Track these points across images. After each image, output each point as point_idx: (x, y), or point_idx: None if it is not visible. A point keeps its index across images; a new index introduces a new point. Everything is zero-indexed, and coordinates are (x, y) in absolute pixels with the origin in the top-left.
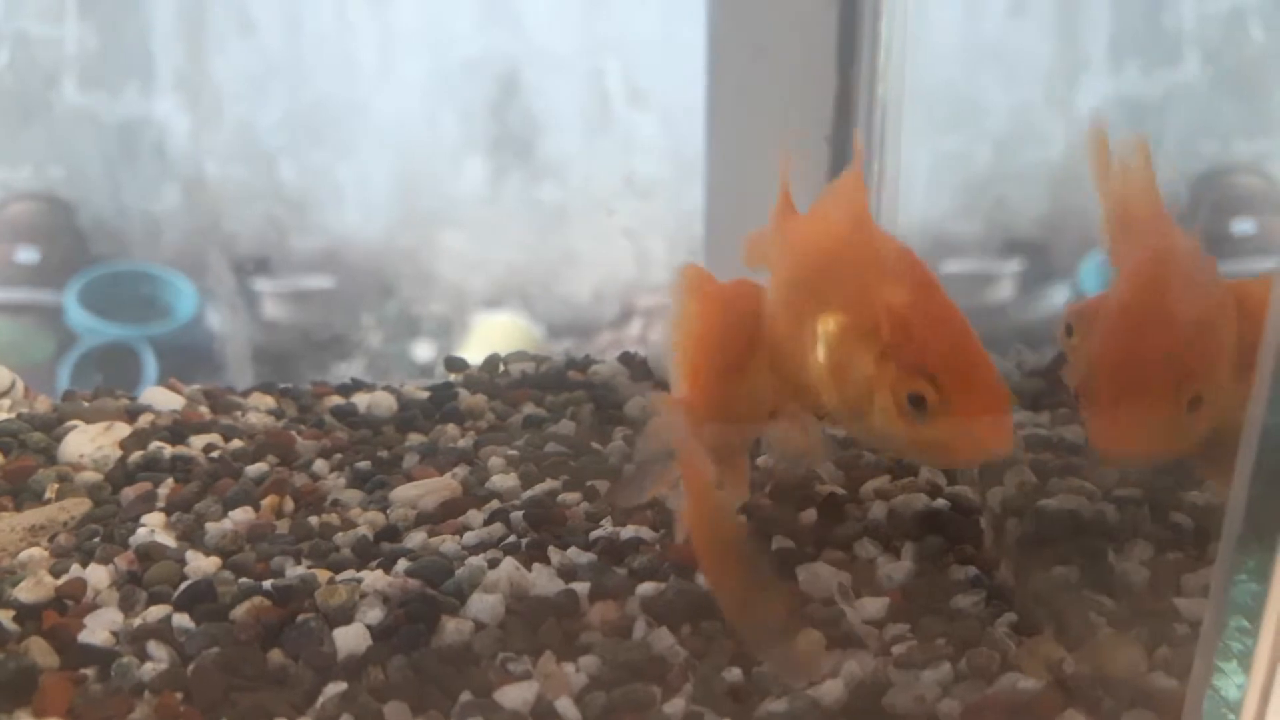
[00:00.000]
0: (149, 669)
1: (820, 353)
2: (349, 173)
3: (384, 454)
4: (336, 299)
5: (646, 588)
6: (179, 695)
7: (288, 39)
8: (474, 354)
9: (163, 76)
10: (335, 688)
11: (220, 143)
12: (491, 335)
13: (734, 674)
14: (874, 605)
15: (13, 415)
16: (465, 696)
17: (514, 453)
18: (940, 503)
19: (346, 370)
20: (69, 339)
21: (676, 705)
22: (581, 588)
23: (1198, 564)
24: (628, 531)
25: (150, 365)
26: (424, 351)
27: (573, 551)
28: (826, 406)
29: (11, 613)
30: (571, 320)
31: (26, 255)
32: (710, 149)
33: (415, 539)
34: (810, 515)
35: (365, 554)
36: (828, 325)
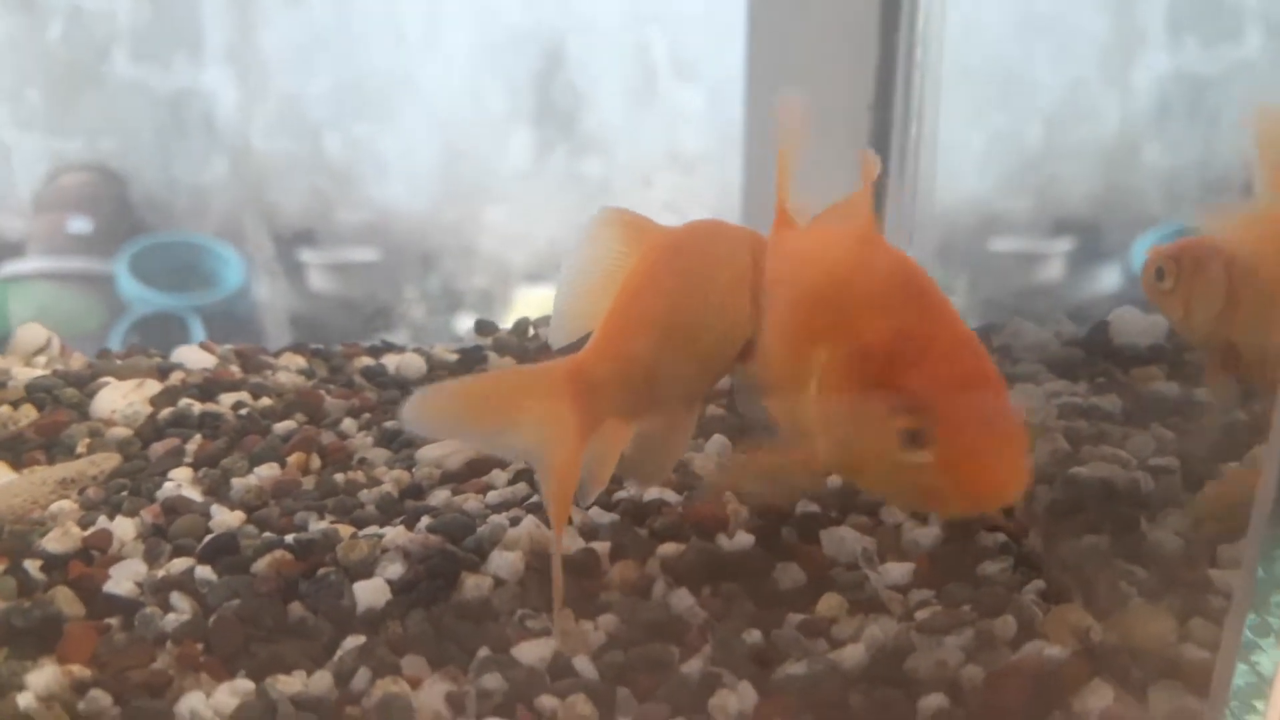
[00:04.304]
0: (171, 619)
1: (808, 389)
2: (394, 146)
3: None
4: (380, 271)
5: (667, 548)
6: (200, 645)
7: (335, 11)
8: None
9: (212, 49)
10: (354, 641)
11: (267, 115)
12: (533, 309)
13: (754, 636)
14: (899, 570)
15: (48, 372)
16: (483, 652)
17: None
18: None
19: None
20: (119, 308)
21: (694, 666)
22: (602, 547)
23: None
24: (651, 493)
25: (198, 334)
26: (466, 325)
27: (594, 511)
28: (809, 476)
29: (39, 562)
30: None
31: (79, 225)
32: (749, 120)
33: (439, 497)
34: (835, 480)
35: (389, 511)
36: (818, 354)
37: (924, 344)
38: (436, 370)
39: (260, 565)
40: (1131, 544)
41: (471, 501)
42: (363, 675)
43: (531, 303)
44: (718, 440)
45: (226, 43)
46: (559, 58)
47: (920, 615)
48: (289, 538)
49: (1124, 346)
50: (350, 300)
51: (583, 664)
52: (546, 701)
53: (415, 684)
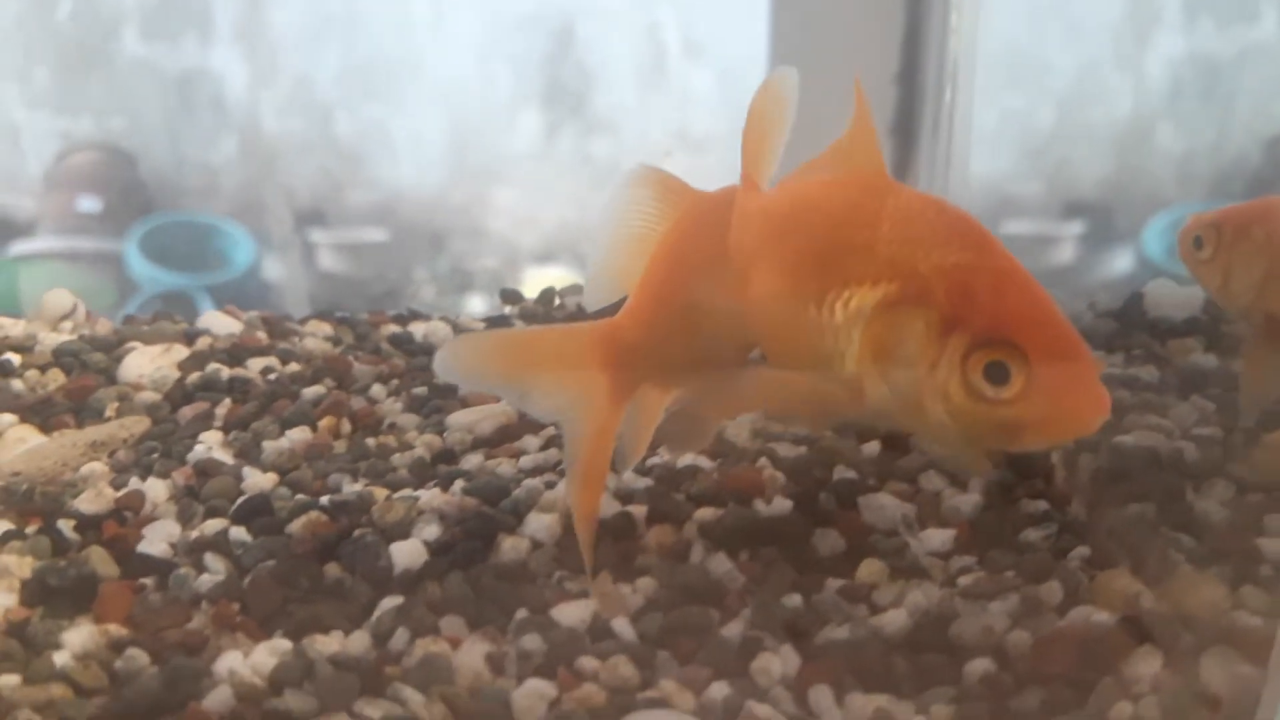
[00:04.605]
0: (206, 580)
1: (848, 341)
2: (403, 126)
3: (440, 381)
4: (390, 252)
5: (704, 513)
6: (236, 605)
7: None
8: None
9: (221, 28)
10: (391, 601)
11: (277, 95)
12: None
13: (794, 600)
14: (939, 537)
15: (74, 337)
16: (522, 613)
17: None
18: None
19: None
20: (129, 287)
21: (734, 630)
22: (638, 511)
23: None
24: (685, 459)
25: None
26: (476, 306)
27: (628, 476)
28: (856, 408)
29: (72, 522)
30: None
31: (89, 204)
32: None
33: (471, 461)
34: (873, 447)
35: (422, 474)
36: (856, 303)
37: (992, 276)
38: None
39: (295, 526)
40: (1178, 512)
41: (505, 466)
42: (401, 635)
43: (541, 283)
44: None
45: (236, 22)
46: (568, 38)
47: (963, 581)
48: (324, 499)
49: (1159, 319)
50: (360, 280)
51: (622, 626)
52: (587, 663)
53: (455, 644)
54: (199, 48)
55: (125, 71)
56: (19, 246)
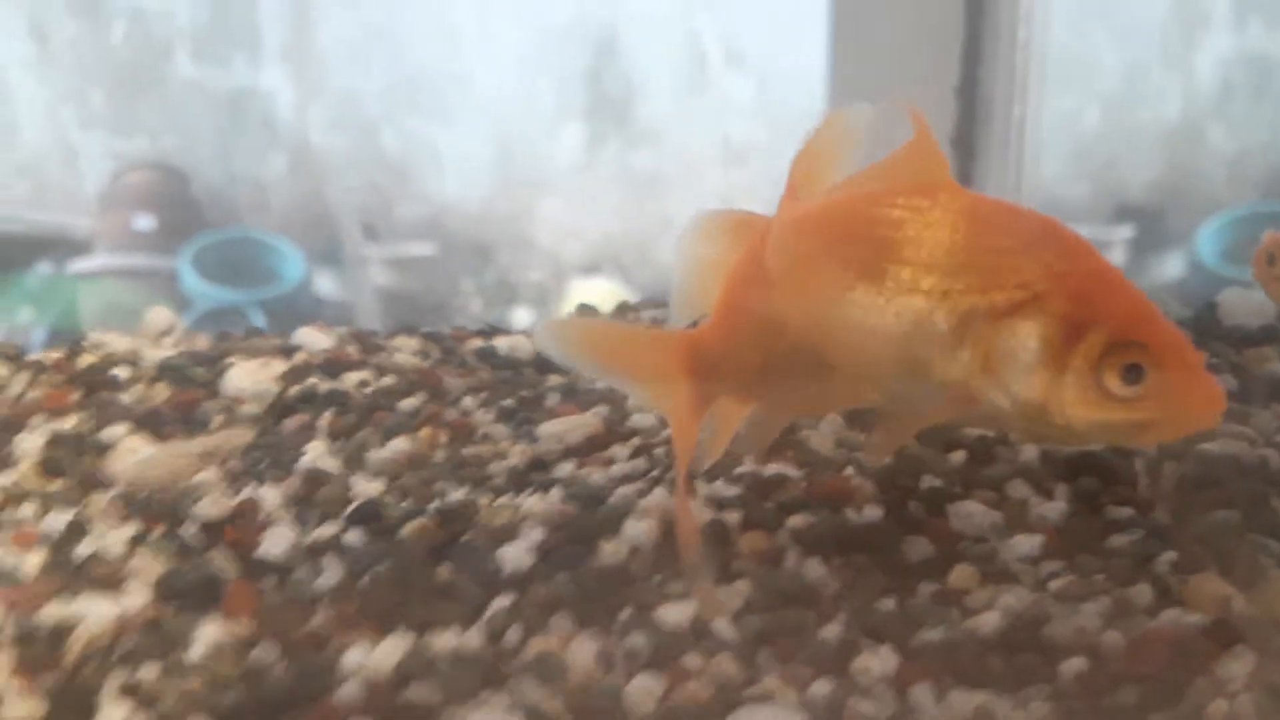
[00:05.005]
0: (323, 581)
1: (948, 349)
2: (449, 141)
3: (526, 393)
4: (438, 265)
5: (796, 520)
6: (354, 605)
7: (389, 9)
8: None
9: (270, 48)
10: (501, 601)
11: (325, 112)
12: (586, 301)
13: (888, 604)
14: (1028, 543)
15: (175, 352)
16: (626, 613)
17: None
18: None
19: None
20: (183, 303)
21: (832, 631)
22: (731, 518)
23: None
24: (771, 469)
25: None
26: (521, 317)
27: (718, 485)
28: (963, 414)
29: (194, 527)
30: (666, 287)
31: (143, 223)
32: (832, 100)
33: (564, 470)
34: (959, 456)
35: (519, 482)
36: (959, 313)
37: (1104, 279)
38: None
39: (406, 531)
40: (1265, 519)
41: (596, 474)
42: (513, 633)
43: (585, 294)
44: (833, 419)
45: (284, 42)
46: (611, 50)
47: (1054, 585)
48: (431, 505)
49: (1234, 328)
50: (410, 293)
51: (722, 627)
52: (693, 661)
53: (565, 642)
54: (248, 68)
55: (177, 92)
56: (77, 264)
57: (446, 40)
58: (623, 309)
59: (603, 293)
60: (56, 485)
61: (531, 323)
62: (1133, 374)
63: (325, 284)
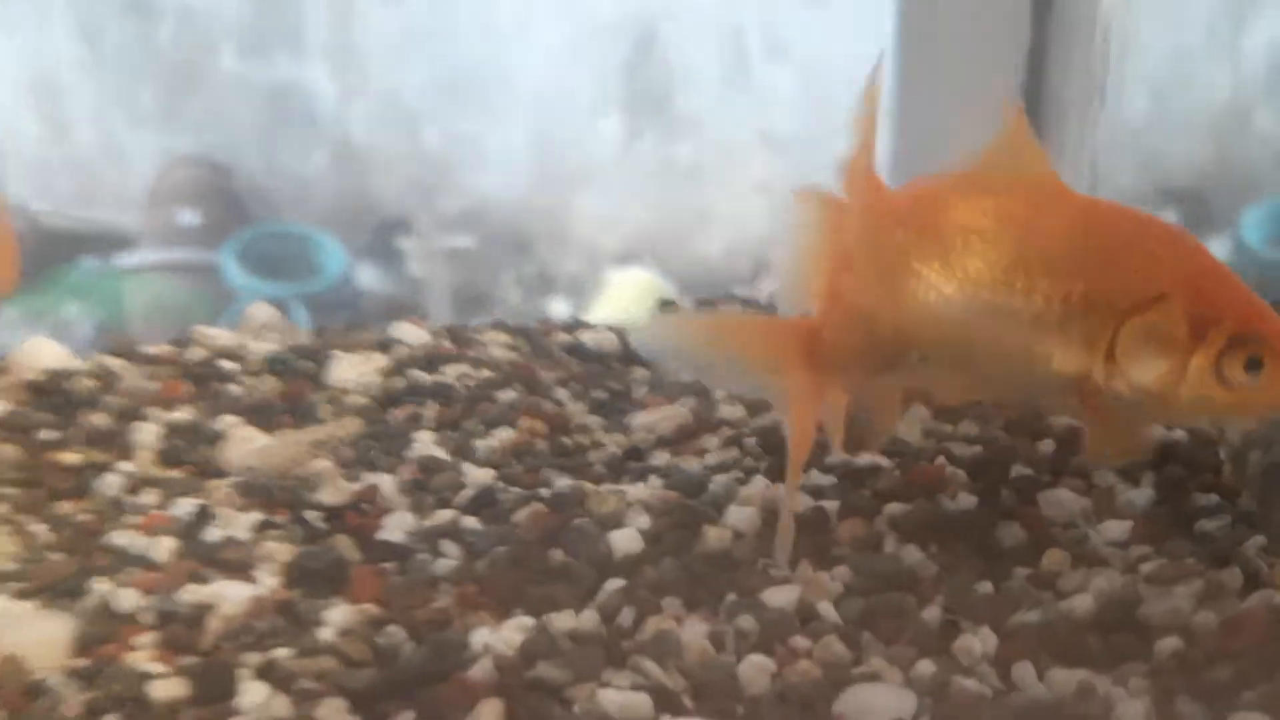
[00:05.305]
0: (443, 564)
1: (1071, 343)
2: (489, 135)
3: (615, 385)
4: (478, 258)
5: (893, 507)
6: (474, 587)
7: (430, 5)
8: (605, 311)
9: (312, 44)
10: (614, 583)
11: (366, 107)
12: (623, 292)
13: (985, 587)
14: (1117, 528)
15: (278, 346)
16: (732, 596)
17: None
18: (1178, 433)
19: None
20: (227, 297)
21: (932, 613)
22: (830, 505)
23: None
24: (863, 459)
25: (303, 322)
26: (559, 308)
27: (814, 474)
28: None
29: (317, 513)
30: (703, 277)
31: (188, 218)
32: (901, 99)
33: (659, 459)
34: (1047, 445)
35: (619, 470)
36: (1088, 314)
37: (1220, 275)
38: (629, 345)
39: (520, 515)
40: None
41: (692, 463)
42: (627, 614)
43: (622, 285)
44: (919, 410)
45: (325, 38)
46: (650, 42)
47: (1145, 568)
48: (542, 491)
49: None
50: (451, 286)
51: (826, 609)
52: (800, 642)
53: (678, 622)
54: (291, 63)
55: (221, 88)
56: (123, 259)
57: (487, 35)
58: (665, 305)
59: (640, 283)
60: (175, 473)
61: (613, 320)
62: (1255, 365)
63: (367, 277)
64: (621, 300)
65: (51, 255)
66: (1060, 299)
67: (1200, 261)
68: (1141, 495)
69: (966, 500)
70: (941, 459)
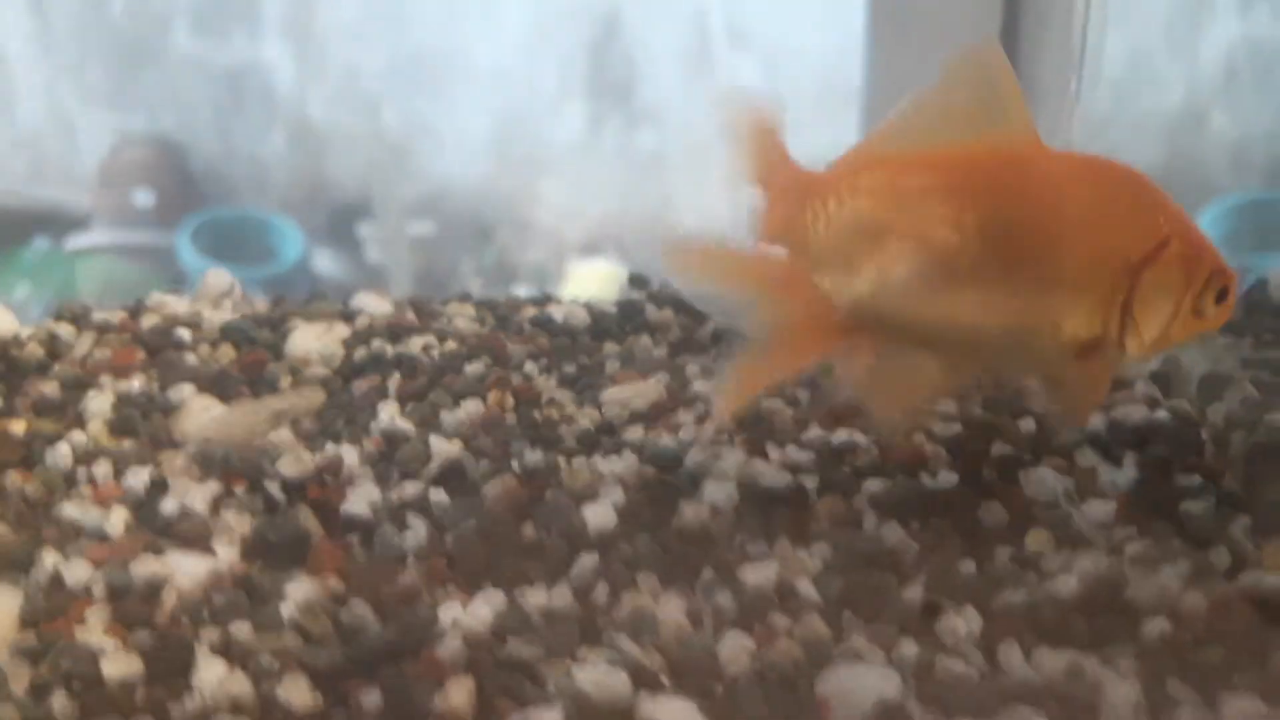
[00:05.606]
0: (410, 538)
1: (1087, 304)
2: (450, 118)
3: (585, 360)
4: (438, 245)
5: (873, 484)
6: (443, 562)
7: None
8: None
9: (270, 22)
10: (588, 559)
11: (325, 89)
12: (587, 283)
13: (968, 567)
14: (1101, 509)
15: (236, 315)
16: (709, 573)
17: (709, 363)
18: (1161, 414)
19: None
20: (181, 279)
21: (914, 592)
22: (809, 481)
23: None
24: (839, 436)
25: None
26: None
27: (791, 449)
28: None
29: (277, 484)
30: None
31: (142, 199)
32: (870, 74)
33: (633, 434)
34: (1028, 424)
35: (591, 445)
36: (1119, 270)
37: (1176, 209)
38: (599, 320)
39: (490, 488)
40: None
41: (666, 439)
42: (601, 590)
43: (585, 276)
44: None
45: (284, 17)
46: (614, 28)
47: (1130, 550)
48: (513, 464)
49: None
50: (410, 272)
51: (805, 588)
52: (779, 620)
53: (654, 599)
54: (248, 43)
55: (176, 66)
56: (75, 240)
57: (448, 17)
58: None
59: (603, 275)
60: (128, 444)
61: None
62: (1223, 295)
63: (324, 262)
64: (585, 292)
65: (0, 236)
66: (1072, 264)
67: (1163, 198)
68: (1124, 476)
69: (947, 478)
70: (920, 436)
